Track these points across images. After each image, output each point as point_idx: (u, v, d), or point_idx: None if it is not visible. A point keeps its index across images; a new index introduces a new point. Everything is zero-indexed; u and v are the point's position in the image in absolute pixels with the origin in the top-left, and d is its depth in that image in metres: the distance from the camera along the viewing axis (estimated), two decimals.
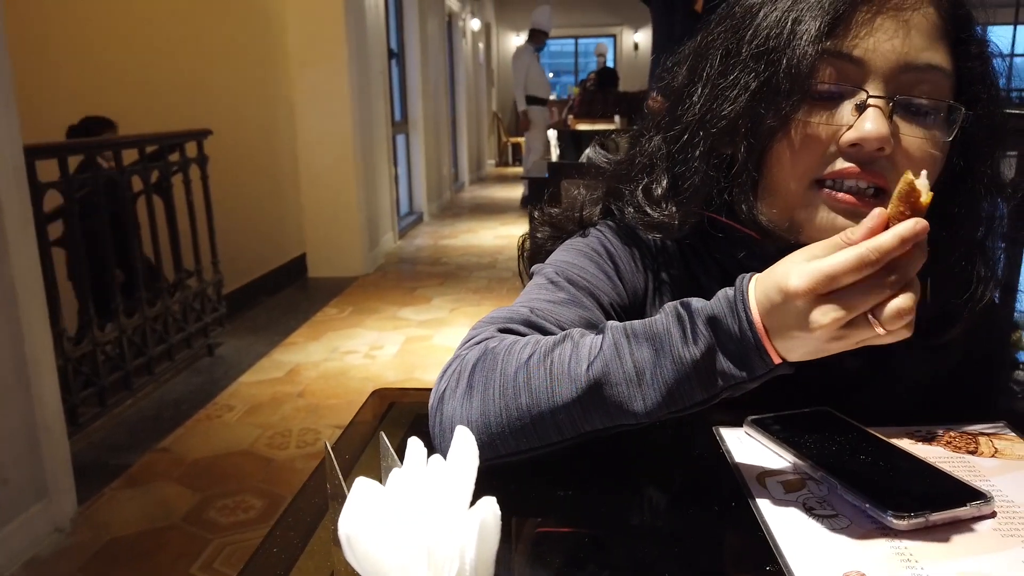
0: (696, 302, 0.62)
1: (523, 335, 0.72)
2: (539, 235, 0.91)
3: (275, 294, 4.99)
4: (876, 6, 0.66)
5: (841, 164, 0.68)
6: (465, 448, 0.35)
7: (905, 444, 0.70)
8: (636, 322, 0.63)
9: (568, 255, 0.82)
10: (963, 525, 0.58)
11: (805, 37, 0.66)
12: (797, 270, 0.56)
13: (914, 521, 0.57)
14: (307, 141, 5.46)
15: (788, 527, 0.59)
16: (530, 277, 0.83)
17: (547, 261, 0.83)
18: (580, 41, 14.50)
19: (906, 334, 0.56)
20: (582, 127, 5.98)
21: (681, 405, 0.61)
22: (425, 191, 8.19)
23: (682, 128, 0.76)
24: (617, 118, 5.91)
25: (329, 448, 0.42)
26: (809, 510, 0.61)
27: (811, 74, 0.67)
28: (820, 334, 0.56)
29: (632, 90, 8.12)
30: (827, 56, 0.66)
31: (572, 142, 4.85)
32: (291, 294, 5.10)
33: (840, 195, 0.68)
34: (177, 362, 3.53)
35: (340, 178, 5.53)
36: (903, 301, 0.54)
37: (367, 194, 5.81)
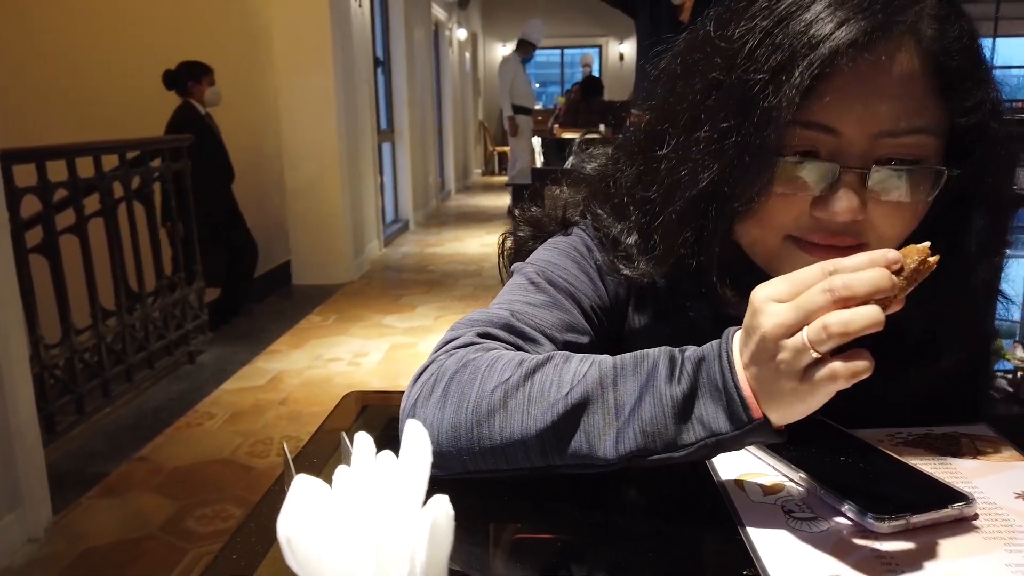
0: (691, 348, 0.60)
1: (503, 340, 0.70)
2: (520, 234, 0.89)
3: (259, 301, 4.94)
4: (852, 68, 0.59)
5: (811, 232, 0.65)
6: (417, 443, 0.34)
7: (886, 446, 0.69)
8: (626, 355, 0.61)
9: (550, 254, 0.81)
10: (945, 527, 0.57)
11: (779, 105, 0.60)
12: (768, 311, 0.53)
13: (895, 524, 0.56)
14: (292, 148, 5.43)
15: (767, 530, 0.57)
16: (510, 275, 0.82)
17: (528, 260, 0.81)
18: (566, 52, 14.55)
19: (866, 368, 0.51)
20: (567, 135, 5.99)
21: (654, 448, 0.58)
22: (411, 199, 8.17)
23: (653, 191, 0.72)
24: (602, 127, 5.93)
25: (287, 450, 0.40)
26: (788, 513, 0.60)
27: (783, 147, 0.62)
28: (787, 369, 0.52)
29: (617, 100, 8.15)
30: (797, 124, 0.61)
31: (557, 150, 4.85)
32: (275, 301, 5.06)
33: (809, 244, 0.66)
34: (157, 369, 3.48)
35: (325, 186, 5.50)
36: (837, 317, 0.50)
37: (352, 202, 5.79)
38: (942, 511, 0.57)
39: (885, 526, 0.56)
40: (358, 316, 4.69)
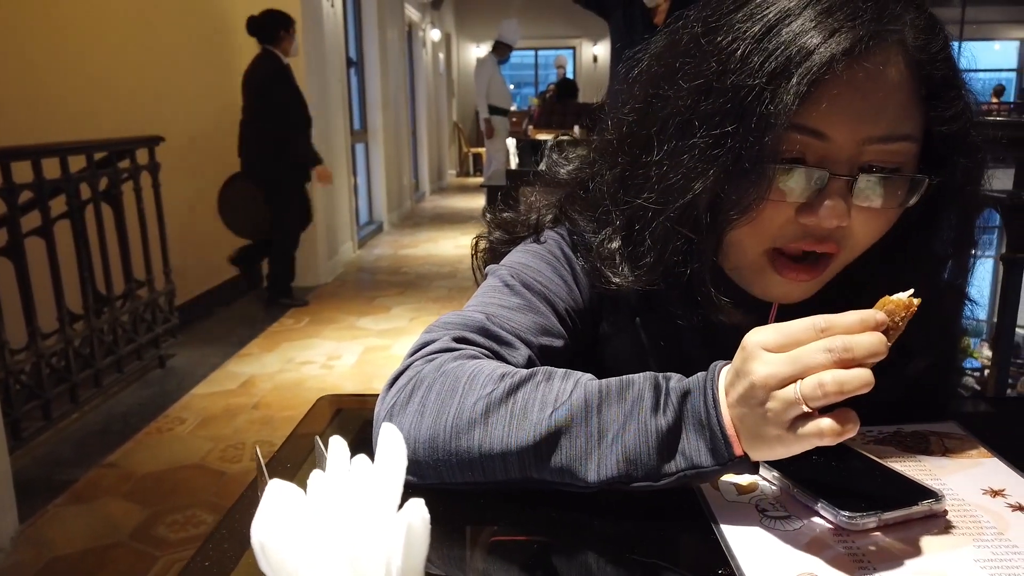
0: (675, 378, 0.61)
1: (479, 345, 0.70)
2: (493, 238, 0.89)
3: (230, 304, 4.89)
4: (846, 75, 0.60)
5: (796, 240, 0.67)
6: (392, 448, 0.33)
7: (857, 445, 0.69)
8: (611, 380, 0.62)
9: (524, 257, 0.80)
10: (915, 524, 0.58)
11: (777, 111, 0.60)
12: (761, 358, 0.54)
13: (866, 521, 0.57)
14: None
15: (741, 529, 0.58)
16: (484, 277, 0.81)
17: (503, 262, 0.81)
18: (540, 53, 14.57)
19: (852, 430, 0.53)
20: (542, 137, 5.99)
21: (635, 476, 0.59)
22: (385, 201, 8.13)
23: (643, 198, 0.71)
24: (577, 128, 5.94)
25: (259, 454, 0.40)
26: (762, 512, 0.60)
27: (777, 153, 0.63)
28: (775, 418, 0.53)
29: (592, 101, 8.17)
30: (791, 128, 0.62)
31: (532, 152, 4.85)
32: (247, 304, 5.00)
33: (786, 264, 0.68)
34: (126, 374, 3.43)
35: None
36: (833, 376, 0.51)
37: (325, 203, 5.74)
38: (912, 508, 0.58)
39: (857, 523, 0.56)
40: (331, 318, 4.65)
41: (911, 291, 0.55)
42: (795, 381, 0.52)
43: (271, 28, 4.01)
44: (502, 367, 0.65)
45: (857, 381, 0.51)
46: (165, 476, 2.67)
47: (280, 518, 0.29)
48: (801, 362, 0.52)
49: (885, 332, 0.53)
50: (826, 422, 0.52)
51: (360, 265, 6.39)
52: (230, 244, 4.67)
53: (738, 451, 0.57)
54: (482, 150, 10.21)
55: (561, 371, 0.64)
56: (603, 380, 0.62)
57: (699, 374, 0.60)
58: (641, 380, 0.61)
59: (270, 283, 4.78)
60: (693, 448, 0.58)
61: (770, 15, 0.63)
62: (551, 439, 0.59)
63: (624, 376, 0.62)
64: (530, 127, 7.69)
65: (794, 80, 0.60)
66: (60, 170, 3.05)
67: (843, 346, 0.51)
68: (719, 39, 0.65)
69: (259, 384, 3.56)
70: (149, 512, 2.42)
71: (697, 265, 0.70)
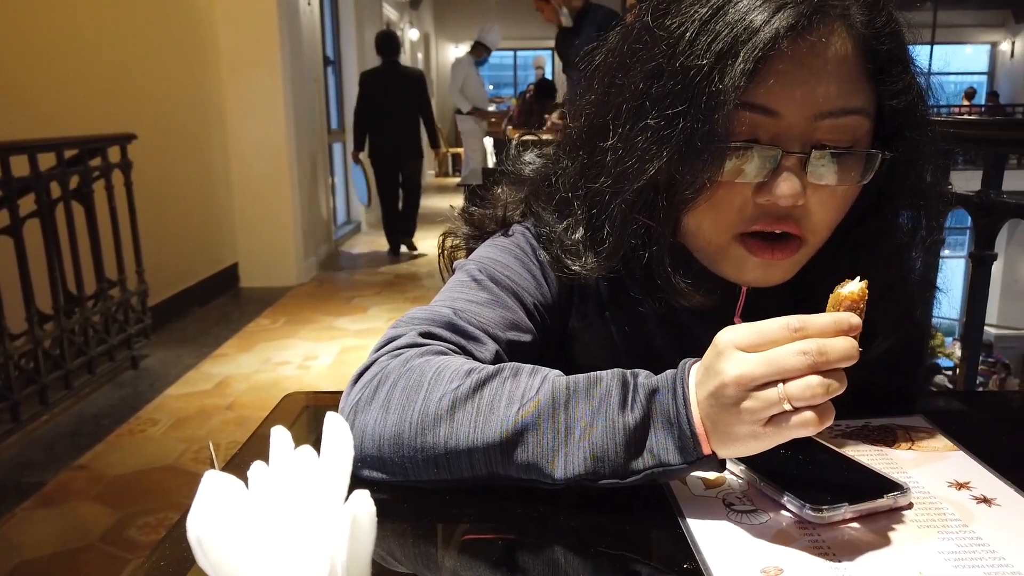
0: (643, 374, 0.60)
1: (445, 339, 0.69)
2: (461, 233, 0.89)
3: (205, 304, 4.83)
4: (791, 51, 0.61)
5: (756, 221, 0.67)
6: (338, 438, 0.32)
7: (824, 438, 0.69)
8: (580, 376, 0.61)
9: (493, 252, 0.80)
10: (881, 516, 0.58)
11: (725, 88, 0.61)
12: (734, 358, 0.54)
13: (832, 514, 0.57)
14: (239, 148, 5.32)
15: (707, 523, 0.57)
16: (452, 273, 0.81)
17: (471, 257, 0.81)
18: (519, 54, 14.58)
19: (828, 420, 0.53)
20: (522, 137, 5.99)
21: (602, 473, 0.58)
22: None
23: (600, 183, 0.72)
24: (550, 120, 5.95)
25: (212, 449, 0.39)
26: (729, 506, 0.60)
27: (729, 132, 0.63)
28: (750, 417, 0.53)
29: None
30: (741, 106, 0.62)
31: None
32: (222, 304, 4.95)
33: (760, 246, 0.68)
34: (98, 375, 3.38)
35: (274, 186, 5.41)
36: (820, 380, 0.52)
37: (303, 202, 5.70)
38: (878, 501, 0.58)
39: (823, 516, 0.56)
40: (308, 318, 4.62)
41: (858, 278, 0.56)
42: (769, 381, 0.52)
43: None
44: (468, 363, 0.65)
45: (840, 386, 0.53)
46: (137, 478, 2.64)
47: (218, 511, 0.28)
48: (776, 364, 0.52)
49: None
50: (810, 414, 0.53)
51: (337, 265, 6.35)
52: (205, 244, 4.62)
53: (706, 449, 0.57)
54: (460, 150, 10.18)
55: (528, 367, 0.64)
56: (571, 376, 0.62)
57: (668, 372, 0.60)
58: (609, 377, 0.60)
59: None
60: (661, 445, 0.58)
61: None
62: (517, 435, 0.59)
63: (592, 372, 0.61)
64: (509, 127, 7.68)
65: (740, 58, 0.61)
66: (29, 168, 3.00)
67: (818, 350, 0.52)
68: (669, 22, 0.66)
69: (234, 385, 3.52)
70: (120, 515, 2.39)
71: (655, 248, 0.70)
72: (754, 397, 0.53)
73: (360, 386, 0.65)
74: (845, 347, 0.52)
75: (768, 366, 0.52)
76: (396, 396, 0.62)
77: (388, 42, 6.24)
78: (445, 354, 0.67)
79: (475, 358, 0.69)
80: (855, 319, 0.54)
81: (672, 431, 0.57)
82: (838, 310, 0.55)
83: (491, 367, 0.63)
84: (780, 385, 0.52)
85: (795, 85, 0.62)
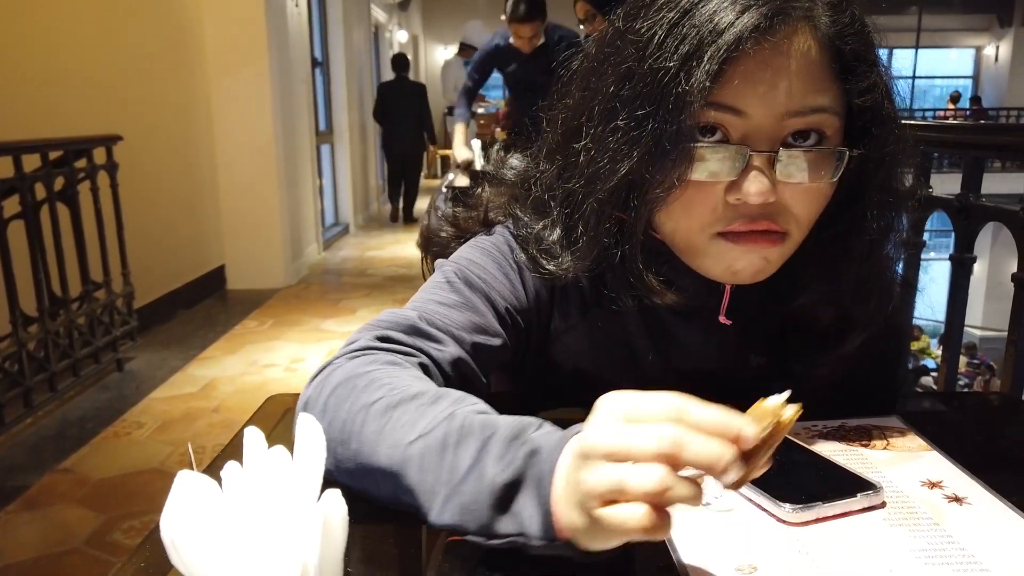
0: (547, 427, 0.54)
1: (401, 343, 0.70)
2: (443, 234, 0.89)
3: (191, 307, 4.81)
4: (756, 52, 0.62)
5: (731, 220, 0.67)
6: (311, 438, 0.33)
7: (799, 438, 0.70)
8: (485, 417, 0.56)
9: (472, 253, 0.81)
10: (854, 516, 0.59)
11: (691, 89, 0.62)
12: (598, 423, 0.47)
13: (806, 513, 0.57)
14: (226, 149, 5.30)
15: (682, 522, 0.58)
16: (433, 272, 0.82)
17: (451, 257, 0.82)
18: None
19: (659, 532, 0.45)
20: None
21: (469, 528, 0.52)
22: (351, 202, 8.07)
23: (573, 183, 0.73)
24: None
25: (191, 450, 0.39)
26: (704, 504, 0.61)
27: (697, 132, 0.64)
28: (586, 491, 0.45)
29: None
30: (709, 107, 0.64)
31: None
32: (209, 307, 4.93)
33: (745, 236, 0.67)
34: (83, 378, 3.35)
35: (261, 188, 5.39)
36: (664, 474, 0.43)
37: (290, 204, 5.68)
38: (851, 500, 0.59)
39: (797, 515, 0.57)
40: (295, 321, 4.60)
41: (787, 393, 0.48)
42: (618, 457, 0.45)
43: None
44: (406, 377, 0.64)
45: (688, 496, 0.44)
46: (122, 481, 2.62)
47: (192, 512, 0.28)
48: (626, 437, 0.44)
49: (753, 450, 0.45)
50: (639, 510, 0.44)
51: (325, 267, 6.34)
52: (192, 246, 4.60)
53: (559, 531, 0.49)
54: (449, 152, 10.18)
55: (456, 395, 0.60)
56: (480, 415, 0.56)
57: (560, 432, 0.52)
58: (505, 424, 0.54)
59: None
60: (527, 514, 0.50)
61: (684, 1, 0.65)
62: (407, 467, 0.56)
63: (500, 416, 0.56)
64: (497, 129, 7.69)
65: (706, 60, 0.62)
66: (14, 169, 2.98)
67: (675, 440, 0.43)
68: (639, 26, 0.67)
69: (220, 387, 3.51)
70: (105, 518, 2.38)
71: (627, 247, 0.71)
72: (594, 468, 0.45)
73: (312, 386, 0.67)
74: (708, 451, 0.43)
75: (617, 437, 0.45)
76: (331, 402, 0.63)
77: (400, 61, 8.32)
78: (396, 363, 0.67)
79: (433, 359, 0.70)
80: (748, 430, 0.44)
81: (539, 500, 0.50)
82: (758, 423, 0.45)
83: (418, 387, 0.61)
84: (627, 465, 0.44)
85: (760, 85, 0.64)
